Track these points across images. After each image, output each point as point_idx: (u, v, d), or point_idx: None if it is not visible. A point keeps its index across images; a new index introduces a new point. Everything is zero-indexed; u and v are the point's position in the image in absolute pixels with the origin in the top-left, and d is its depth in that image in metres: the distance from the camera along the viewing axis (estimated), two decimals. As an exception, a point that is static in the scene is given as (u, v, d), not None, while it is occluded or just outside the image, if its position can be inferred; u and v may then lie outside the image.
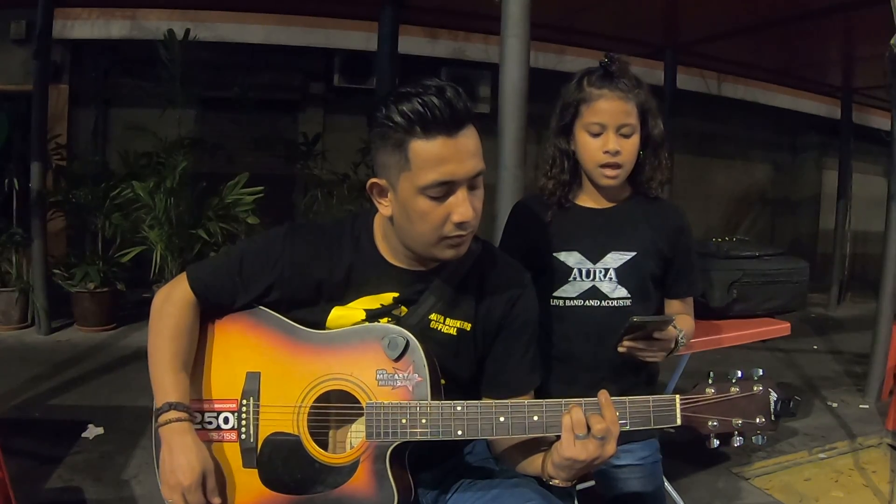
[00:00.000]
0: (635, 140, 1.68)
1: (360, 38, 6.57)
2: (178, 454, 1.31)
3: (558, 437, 1.27)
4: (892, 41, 2.76)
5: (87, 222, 5.78)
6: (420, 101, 1.23)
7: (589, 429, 1.23)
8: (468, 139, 1.27)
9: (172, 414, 1.33)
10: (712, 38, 6.20)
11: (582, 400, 1.27)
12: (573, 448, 1.24)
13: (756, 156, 9.56)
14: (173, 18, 6.03)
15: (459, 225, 1.29)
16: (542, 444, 1.38)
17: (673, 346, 1.67)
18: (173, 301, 1.43)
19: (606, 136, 1.66)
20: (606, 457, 1.25)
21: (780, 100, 8.68)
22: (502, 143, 2.63)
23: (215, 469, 1.36)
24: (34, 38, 5.54)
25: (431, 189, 1.26)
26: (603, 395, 1.26)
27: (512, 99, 2.64)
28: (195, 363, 1.43)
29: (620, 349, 1.61)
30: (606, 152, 1.65)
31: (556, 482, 1.32)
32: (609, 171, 1.67)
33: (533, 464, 1.40)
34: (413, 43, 6.56)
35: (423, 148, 1.24)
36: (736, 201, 9.42)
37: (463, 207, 1.28)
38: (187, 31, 5.57)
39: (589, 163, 1.69)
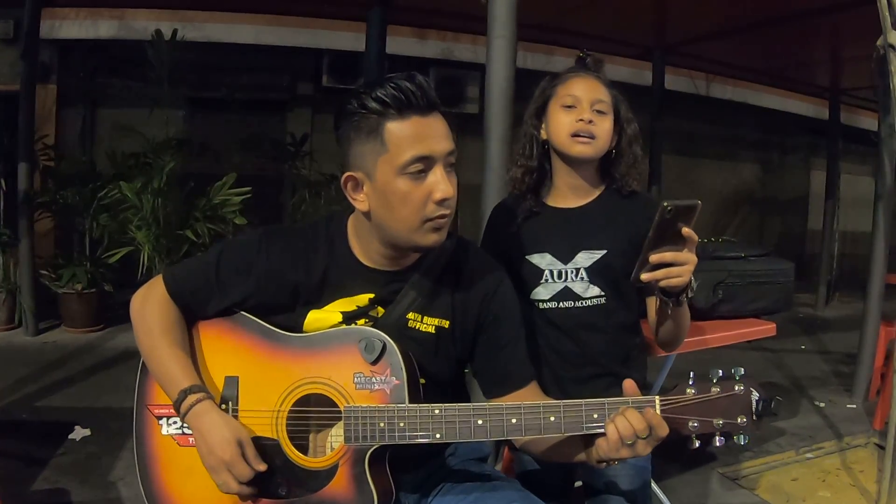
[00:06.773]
0: (609, 122, 1.69)
1: (348, 38, 6.55)
2: (210, 433, 1.30)
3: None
4: (878, 42, 2.76)
5: (75, 223, 5.77)
6: (392, 85, 1.26)
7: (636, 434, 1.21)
8: (439, 121, 1.31)
9: (191, 398, 1.32)
10: (700, 38, 6.22)
11: (605, 401, 1.24)
12: (624, 452, 1.22)
13: (744, 156, 9.60)
14: (161, 19, 6.00)
15: (441, 203, 1.29)
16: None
17: (689, 280, 1.47)
18: (153, 300, 1.43)
19: (580, 108, 1.66)
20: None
21: (769, 100, 8.71)
22: (489, 144, 2.61)
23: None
24: (21, 38, 5.52)
25: (410, 166, 1.27)
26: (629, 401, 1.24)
27: (498, 100, 2.63)
28: None
29: (644, 277, 1.41)
30: (580, 120, 1.65)
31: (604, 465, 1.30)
32: (582, 139, 1.66)
33: (571, 452, 1.36)
34: (401, 43, 6.55)
35: (399, 127, 1.27)
36: (724, 201, 9.44)
37: (443, 184, 1.29)
38: (175, 32, 5.56)
39: (561, 135, 1.68)
